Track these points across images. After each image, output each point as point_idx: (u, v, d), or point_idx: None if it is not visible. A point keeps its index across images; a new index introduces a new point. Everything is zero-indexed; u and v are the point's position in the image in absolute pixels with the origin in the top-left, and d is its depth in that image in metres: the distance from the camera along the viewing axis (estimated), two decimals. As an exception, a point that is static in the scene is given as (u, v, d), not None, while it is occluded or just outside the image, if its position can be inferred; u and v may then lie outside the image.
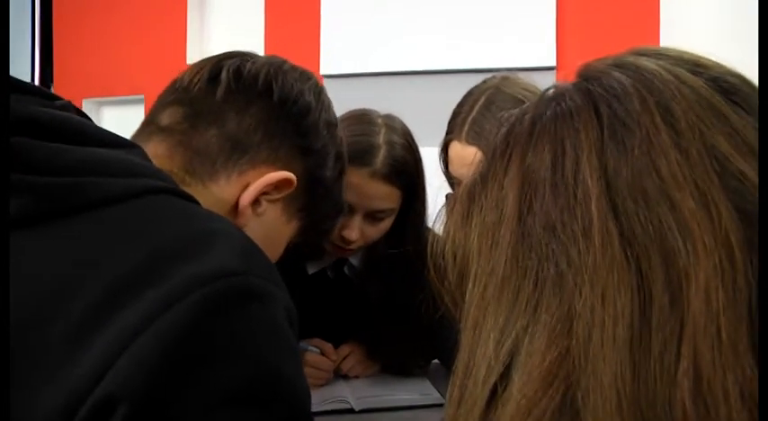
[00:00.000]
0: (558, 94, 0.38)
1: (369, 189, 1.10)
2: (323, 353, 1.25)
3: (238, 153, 0.65)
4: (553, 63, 2.41)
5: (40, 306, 0.42)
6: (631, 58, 0.37)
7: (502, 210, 0.36)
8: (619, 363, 0.30)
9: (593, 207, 0.32)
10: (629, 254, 0.31)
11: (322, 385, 1.23)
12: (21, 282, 0.43)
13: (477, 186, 0.39)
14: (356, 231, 1.12)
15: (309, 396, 0.50)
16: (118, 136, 0.54)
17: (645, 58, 0.37)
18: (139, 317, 0.41)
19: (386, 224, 1.16)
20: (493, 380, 0.33)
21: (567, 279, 0.32)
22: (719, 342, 0.29)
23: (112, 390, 0.39)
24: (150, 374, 0.40)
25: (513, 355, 0.33)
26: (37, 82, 3.02)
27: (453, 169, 1.10)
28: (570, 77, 0.40)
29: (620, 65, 0.37)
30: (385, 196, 1.13)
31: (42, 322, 0.41)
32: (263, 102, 0.67)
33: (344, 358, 1.28)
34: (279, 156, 0.67)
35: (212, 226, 0.49)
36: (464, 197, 0.39)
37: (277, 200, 0.68)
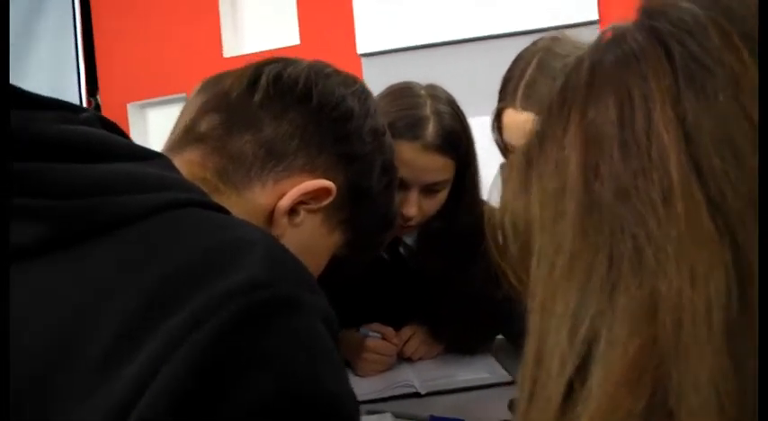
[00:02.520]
0: (618, 36, 0.33)
1: (422, 162, 1.08)
2: (384, 338, 1.22)
3: (274, 160, 0.62)
4: (596, 16, 2.30)
5: (62, 338, 0.40)
6: None
7: (564, 175, 0.31)
8: (717, 358, 0.25)
9: (672, 168, 0.27)
10: (719, 222, 0.26)
11: (386, 370, 1.21)
12: (42, 311, 0.42)
13: (533, 149, 0.34)
14: (414, 207, 1.10)
15: (357, 407, 0.47)
16: (142, 148, 0.52)
17: None
18: (165, 344, 0.39)
19: (442, 196, 1.14)
20: (568, 373, 0.28)
21: (646, 256, 0.27)
22: None
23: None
24: (180, 401, 0.38)
25: (590, 345, 0.28)
26: (84, 93, 3.09)
27: (509, 137, 1.06)
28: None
29: None
30: (439, 168, 1.10)
31: (64, 355, 0.40)
32: (302, 107, 0.64)
33: (407, 341, 1.25)
34: (317, 163, 0.64)
35: (240, 235, 0.46)
36: (521, 162, 0.35)
37: (316, 210, 0.65)
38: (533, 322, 0.32)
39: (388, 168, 0.72)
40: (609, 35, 0.34)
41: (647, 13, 0.33)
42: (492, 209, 0.39)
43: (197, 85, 0.71)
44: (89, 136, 0.48)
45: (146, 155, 0.51)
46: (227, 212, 0.52)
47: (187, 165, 0.59)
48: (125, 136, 0.53)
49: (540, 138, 0.34)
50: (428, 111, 1.09)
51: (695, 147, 0.27)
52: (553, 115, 0.34)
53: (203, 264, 0.43)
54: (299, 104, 0.64)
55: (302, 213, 0.64)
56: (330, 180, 0.64)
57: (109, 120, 0.54)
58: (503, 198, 0.37)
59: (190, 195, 0.50)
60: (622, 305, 0.27)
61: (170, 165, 0.53)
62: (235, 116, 0.63)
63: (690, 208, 0.27)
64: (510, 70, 1.06)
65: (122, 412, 0.37)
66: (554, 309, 0.30)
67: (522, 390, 0.32)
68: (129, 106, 3.05)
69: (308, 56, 0.73)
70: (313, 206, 0.64)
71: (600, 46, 0.34)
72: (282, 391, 0.41)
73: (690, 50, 0.29)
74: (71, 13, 3.09)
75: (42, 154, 0.45)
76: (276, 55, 0.72)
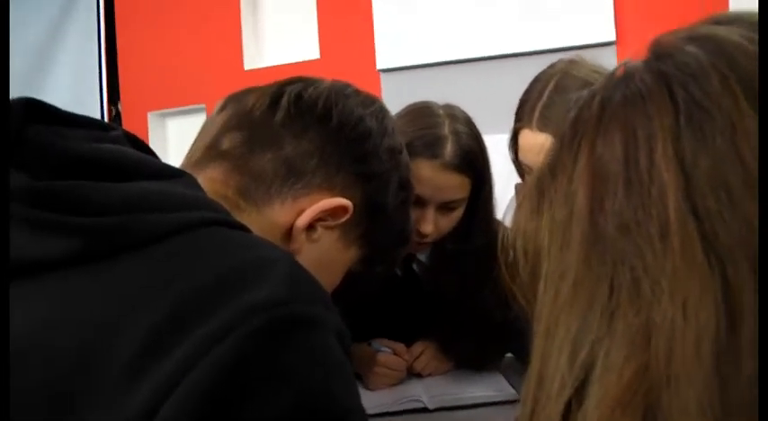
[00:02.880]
0: (628, 75, 0.34)
1: (441, 181, 1.10)
2: (395, 353, 1.24)
3: (293, 178, 0.64)
4: (613, 37, 2.32)
5: (86, 348, 0.42)
6: (705, 30, 0.34)
7: (572, 206, 0.33)
8: (705, 385, 0.26)
9: (670, 205, 0.29)
10: (711, 259, 0.28)
11: (395, 385, 1.22)
12: (67, 322, 0.43)
13: (545, 178, 0.36)
14: (431, 224, 1.12)
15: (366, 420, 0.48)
16: (169, 166, 0.54)
17: (722, 27, 0.33)
18: (188, 356, 0.40)
19: (458, 213, 1.16)
20: (566, 395, 0.30)
21: (643, 286, 0.29)
22: None
23: None
24: (202, 409, 0.40)
25: (588, 369, 0.30)
26: (105, 101, 3.15)
27: (525, 157, 1.08)
28: (631, 52, 0.36)
29: (694, 37, 0.33)
30: (457, 186, 1.12)
31: (88, 366, 0.41)
32: (321, 127, 0.66)
33: (417, 356, 1.27)
34: (335, 181, 0.66)
35: (262, 255, 0.49)
36: (533, 189, 0.37)
37: (333, 226, 0.67)
38: (537, 345, 0.34)
39: (404, 185, 0.73)
40: (621, 71, 0.36)
41: (656, 55, 0.34)
42: (506, 229, 0.41)
43: (219, 101, 0.73)
44: (119, 154, 0.50)
45: (173, 173, 0.53)
46: (248, 231, 0.54)
47: (209, 182, 0.61)
48: (152, 154, 0.55)
49: (551, 168, 0.36)
50: (446, 130, 1.11)
51: (693, 188, 0.29)
52: (565, 146, 0.35)
53: (227, 282, 0.45)
54: (318, 124, 0.66)
55: (320, 230, 0.66)
56: (348, 198, 0.66)
57: (137, 138, 0.57)
58: (515, 222, 0.39)
59: (216, 215, 0.51)
60: (620, 332, 0.29)
61: (195, 184, 0.55)
62: (257, 134, 0.65)
63: (685, 243, 0.28)
64: (527, 92, 1.08)
65: (145, 419, 0.39)
66: (557, 334, 0.32)
67: (524, 409, 0.33)
68: (149, 115, 3.09)
69: (328, 70, 0.75)
70: (330, 223, 0.66)
71: (611, 82, 0.35)
72: (299, 406, 0.42)
73: (691, 94, 0.31)
74: (95, 23, 3.15)
75: (73, 171, 0.47)
76: (296, 69, 0.73)
